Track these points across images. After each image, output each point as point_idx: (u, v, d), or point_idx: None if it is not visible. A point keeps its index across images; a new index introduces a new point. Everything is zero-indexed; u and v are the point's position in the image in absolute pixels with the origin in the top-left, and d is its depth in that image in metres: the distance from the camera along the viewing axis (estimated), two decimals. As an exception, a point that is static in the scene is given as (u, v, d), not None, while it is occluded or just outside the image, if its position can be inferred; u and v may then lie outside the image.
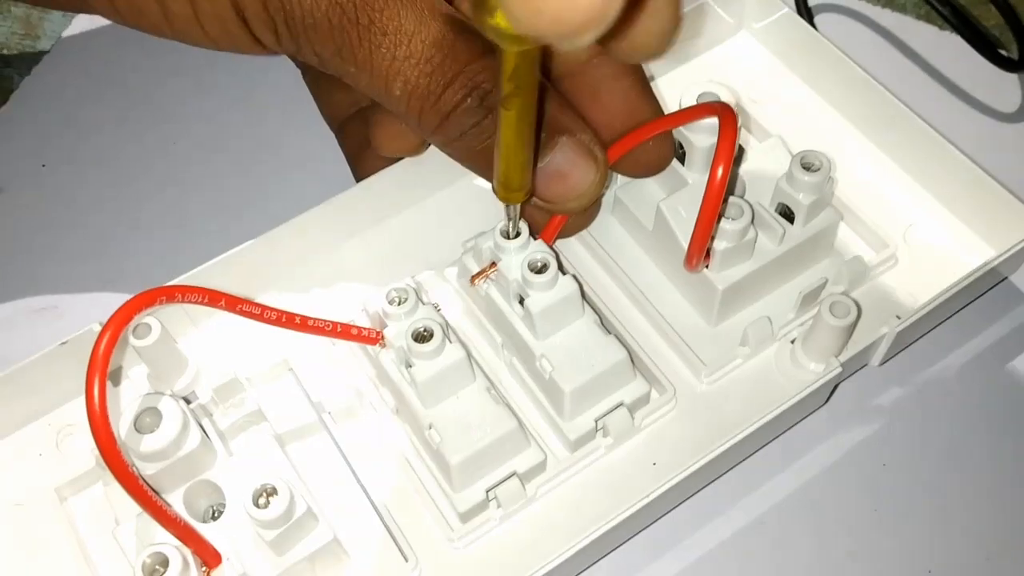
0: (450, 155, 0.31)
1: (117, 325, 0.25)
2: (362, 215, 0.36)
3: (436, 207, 0.37)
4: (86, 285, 0.39)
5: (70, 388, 0.33)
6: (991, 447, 0.34)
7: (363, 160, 0.36)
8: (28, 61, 0.45)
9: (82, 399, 0.33)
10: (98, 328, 0.32)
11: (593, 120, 0.31)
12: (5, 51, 0.45)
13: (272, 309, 0.29)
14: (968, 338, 0.36)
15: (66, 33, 0.46)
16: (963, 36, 0.42)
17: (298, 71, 0.37)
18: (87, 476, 0.32)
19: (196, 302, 0.27)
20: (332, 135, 0.37)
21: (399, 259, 0.36)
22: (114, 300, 0.37)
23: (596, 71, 0.31)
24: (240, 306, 0.28)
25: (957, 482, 0.34)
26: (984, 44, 0.42)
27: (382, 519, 0.31)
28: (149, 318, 0.30)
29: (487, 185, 0.30)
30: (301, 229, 0.35)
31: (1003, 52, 0.42)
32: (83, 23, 0.46)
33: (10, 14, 0.46)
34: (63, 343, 0.32)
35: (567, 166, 0.29)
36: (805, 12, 0.44)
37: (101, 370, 0.24)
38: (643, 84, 0.32)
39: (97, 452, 0.31)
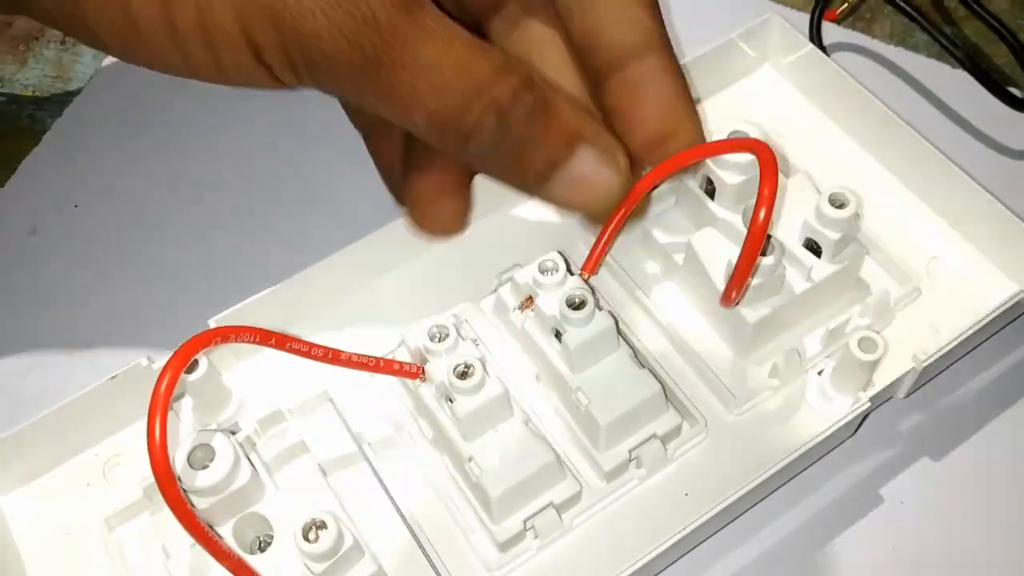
0: (479, 172, 0.31)
1: (177, 365, 0.26)
2: (397, 251, 0.37)
3: (470, 239, 0.38)
4: (120, 323, 0.40)
5: (117, 419, 0.34)
6: (1013, 473, 0.35)
7: (394, 173, 0.36)
8: (60, 103, 0.46)
9: (128, 430, 0.35)
10: (145, 363, 0.33)
11: (632, 119, 0.31)
12: (37, 93, 0.46)
13: (318, 346, 0.30)
14: (990, 365, 0.37)
15: (96, 75, 0.47)
16: (974, 75, 0.43)
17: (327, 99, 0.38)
18: (135, 506, 0.33)
19: (248, 341, 0.28)
20: (365, 168, 0.38)
21: (435, 291, 0.37)
22: (150, 336, 0.38)
23: (637, 69, 0.31)
24: (288, 344, 0.29)
25: (975, 513, 0.35)
26: (993, 84, 0.43)
27: (423, 550, 0.32)
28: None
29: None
30: (338, 265, 0.36)
31: (1013, 91, 0.43)
32: (113, 65, 0.47)
33: (42, 57, 0.48)
34: (112, 377, 0.33)
35: (589, 173, 0.30)
36: (819, 50, 0.45)
37: (162, 410, 0.25)
38: (683, 86, 0.32)
39: (145, 483, 0.32)
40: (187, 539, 0.28)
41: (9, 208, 0.43)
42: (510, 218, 0.38)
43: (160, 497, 0.28)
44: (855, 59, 0.46)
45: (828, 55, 0.45)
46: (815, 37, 0.45)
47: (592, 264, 0.34)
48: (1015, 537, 0.34)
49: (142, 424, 0.32)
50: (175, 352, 0.26)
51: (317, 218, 0.42)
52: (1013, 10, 0.47)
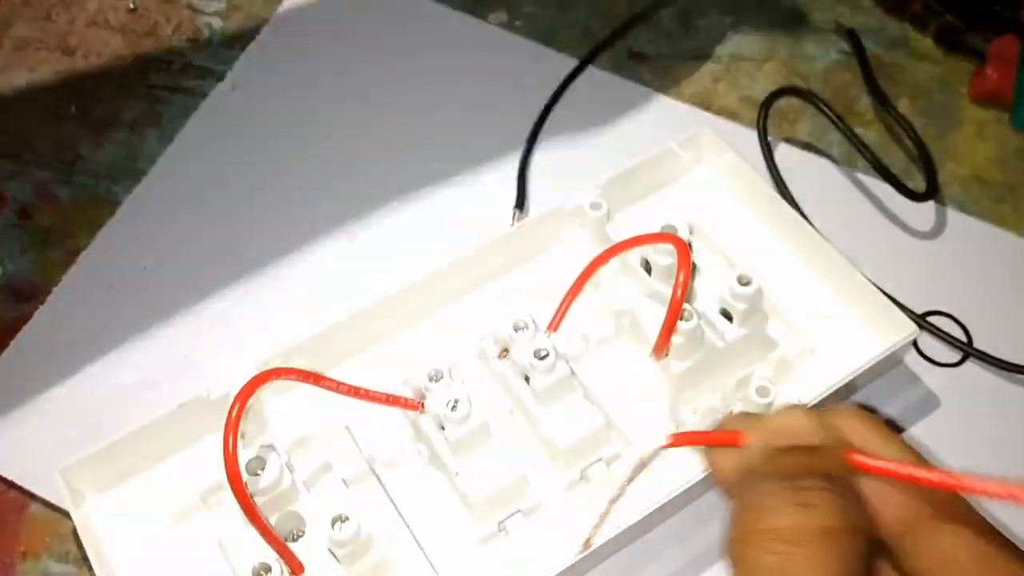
0: None
1: (243, 398, 0.36)
2: (402, 314, 0.46)
3: (460, 309, 0.48)
4: (179, 363, 0.49)
5: (183, 438, 0.43)
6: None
7: None
8: (130, 178, 0.55)
9: (191, 447, 0.44)
10: (205, 394, 0.42)
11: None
12: (112, 171, 0.56)
13: (344, 384, 0.40)
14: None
15: (163, 156, 0.56)
16: (877, 170, 0.52)
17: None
18: (194, 505, 0.42)
19: (294, 379, 0.38)
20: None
21: (431, 346, 0.46)
22: (206, 374, 0.48)
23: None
24: (323, 382, 0.39)
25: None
26: (894, 178, 0.52)
27: (418, 542, 0.41)
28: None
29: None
30: (356, 323, 0.45)
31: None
32: (177, 148, 0.57)
33: (116, 139, 0.57)
34: (180, 405, 0.42)
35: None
36: (765, 145, 0.54)
37: (234, 431, 0.35)
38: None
39: (202, 488, 0.41)
40: (236, 532, 0.37)
41: (91, 267, 0.52)
42: (487, 295, 0.48)
43: (214, 499, 0.38)
44: (795, 153, 0.56)
45: (772, 149, 0.55)
46: (763, 143, 0.54)
47: (555, 323, 0.44)
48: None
49: (203, 441, 0.42)
50: (243, 386, 0.36)
51: (327, 282, 0.52)
52: (912, 114, 0.57)
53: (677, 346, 0.42)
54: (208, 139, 0.57)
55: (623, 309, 0.45)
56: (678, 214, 0.45)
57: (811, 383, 0.44)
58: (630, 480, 0.36)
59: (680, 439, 0.32)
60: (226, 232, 0.53)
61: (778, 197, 0.49)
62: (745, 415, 0.30)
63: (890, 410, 0.47)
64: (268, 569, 0.37)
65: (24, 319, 0.50)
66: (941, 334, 0.48)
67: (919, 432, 0.46)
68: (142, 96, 0.59)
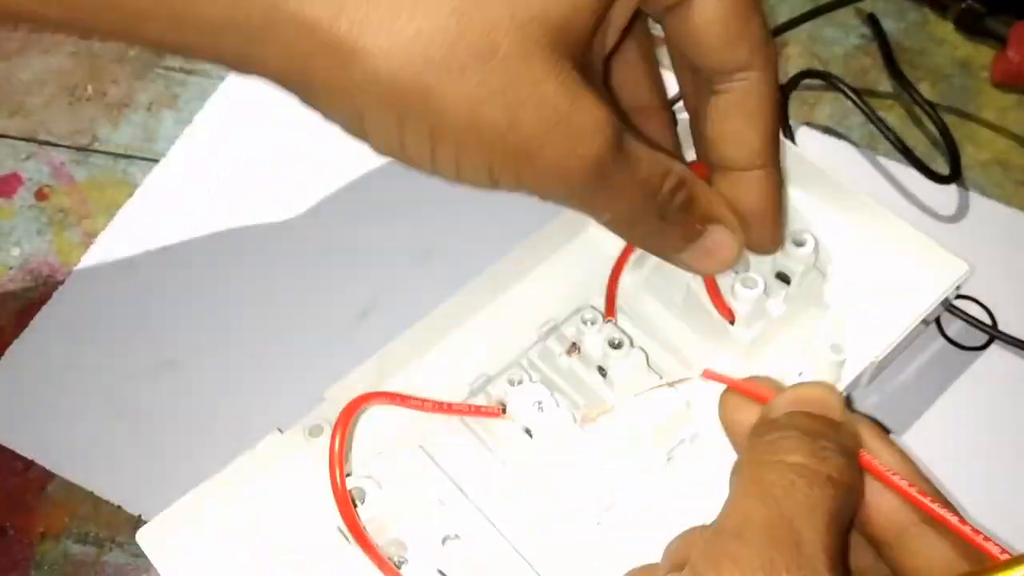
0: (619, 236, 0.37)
1: (344, 427, 0.36)
2: (452, 320, 0.44)
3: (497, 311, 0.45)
4: (197, 343, 0.49)
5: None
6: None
7: None
8: (148, 160, 0.55)
9: (282, 464, 0.40)
10: (279, 434, 0.40)
11: (711, 140, 0.37)
12: (129, 152, 0.56)
13: (429, 400, 0.40)
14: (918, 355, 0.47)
15: (180, 138, 0.56)
16: (900, 152, 0.52)
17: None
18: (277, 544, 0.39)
19: (383, 403, 0.38)
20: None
21: (485, 352, 0.44)
22: (225, 354, 0.47)
23: (729, 101, 0.36)
24: (408, 400, 0.39)
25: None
26: (917, 160, 0.52)
27: (518, 551, 0.39)
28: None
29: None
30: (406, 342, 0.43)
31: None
32: (193, 131, 0.57)
33: (132, 120, 0.57)
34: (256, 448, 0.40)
35: (716, 247, 0.37)
36: (786, 128, 0.54)
37: (341, 465, 0.35)
38: (777, 199, 0.38)
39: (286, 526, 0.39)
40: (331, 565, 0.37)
41: (108, 248, 0.52)
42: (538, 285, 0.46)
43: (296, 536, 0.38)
44: (816, 136, 0.56)
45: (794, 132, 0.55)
46: (784, 125, 0.53)
47: (610, 310, 0.43)
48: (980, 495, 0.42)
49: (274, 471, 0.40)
50: (340, 415, 0.36)
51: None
52: (932, 99, 0.57)
53: (744, 315, 0.42)
54: (226, 121, 0.57)
55: (675, 288, 0.44)
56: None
57: (873, 336, 0.43)
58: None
59: (713, 375, 0.33)
60: (244, 214, 0.53)
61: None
62: (768, 379, 0.31)
63: (916, 393, 0.47)
64: None
65: (41, 300, 0.50)
66: (966, 317, 0.48)
67: (944, 414, 0.46)
68: (158, 78, 0.59)
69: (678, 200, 0.34)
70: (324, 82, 0.29)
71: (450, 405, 0.41)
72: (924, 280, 0.44)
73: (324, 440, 0.39)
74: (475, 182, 0.31)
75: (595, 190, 0.32)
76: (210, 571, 0.38)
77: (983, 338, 0.48)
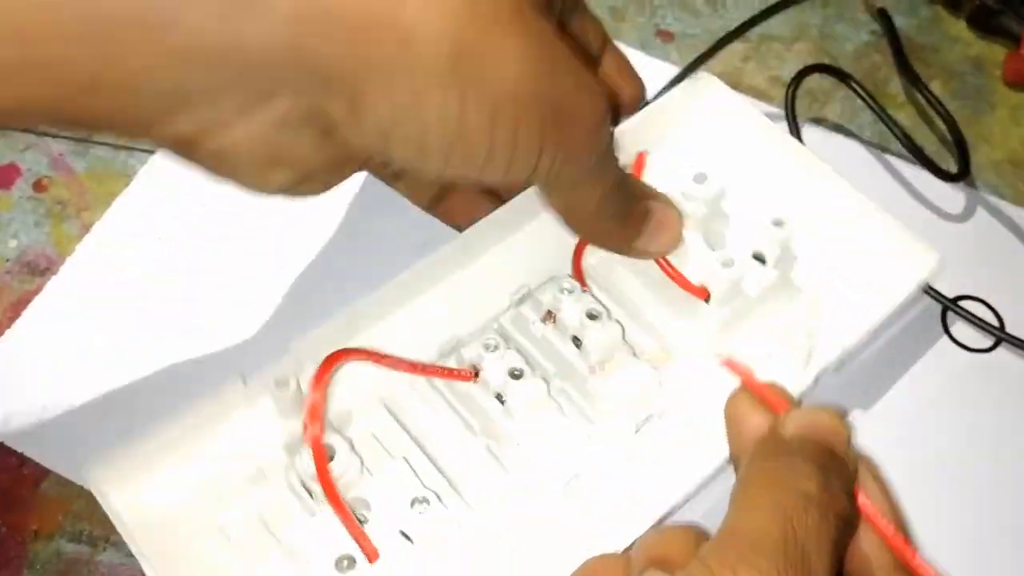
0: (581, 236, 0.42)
1: (323, 384, 0.36)
2: (424, 280, 0.43)
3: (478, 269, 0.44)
4: (191, 334, 0.48)
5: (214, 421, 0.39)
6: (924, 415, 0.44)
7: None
8: (146, 152, 0.54)
9: (218, 428, 0.39)
10: (240, 381, 0.38)
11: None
12: (129, 144, 0.55)
13: (404, 360, 0.39)
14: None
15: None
16: (909, 151, 0.51)
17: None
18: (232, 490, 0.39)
19: (358, 359, 0.38)
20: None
21: (456, 314, 0.43)
22: (219, 345, 0.47)
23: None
24: (384, 360, 0.38)
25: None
26: (926, 158, 0.51)
27: (474, 512, 0.39)
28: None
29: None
30: (383, 297, 0.42)
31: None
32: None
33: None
34: (218, 391, 0.39)
35: (667, 219, 0.40)
36: (793, 124, 0.53)
37: (320, 419, 0.35)
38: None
39: (247, 473, 0.38)
40: (304, 524, 0.36)
41: (103, 239, 0.51)
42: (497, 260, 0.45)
43: (257, 484, 0.38)
44: (823, 134, 0.55)
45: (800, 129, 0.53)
46: (791, 122, 0.52)
47: (582, 281, 0.43)
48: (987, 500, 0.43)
49: (232, 421, 0.39)
50: (317, 371, 0.36)
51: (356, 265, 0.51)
52: (944, 98, 0.56)
53: (719, 293, 0.41)
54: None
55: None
56: (691, 161, 0.44)
57: (846, 322, 0.42)
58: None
59: (735, 365, 0.33)
60: (241, 205, 0.52)
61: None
62: (782, 389, 0.32)
63: (923, 396, 0.46)
64: (352, 561, 0.35)
65: (38, 292, 0.49)
66: (973, 319, 0.47)
67: (951, 418, 0.45)
68: (159, 69, 0.58)
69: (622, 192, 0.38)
70: (381, 68, 0.28)
71: (424, 366, 0.40)
72: (898, 269, 0.43)
73: (289, 392, 0.38)
74: (523, 167, 0.32)
75: (602, 159, 0.35)
76: (159, 514, 0.37)
77: (990, 340, 0.48)
